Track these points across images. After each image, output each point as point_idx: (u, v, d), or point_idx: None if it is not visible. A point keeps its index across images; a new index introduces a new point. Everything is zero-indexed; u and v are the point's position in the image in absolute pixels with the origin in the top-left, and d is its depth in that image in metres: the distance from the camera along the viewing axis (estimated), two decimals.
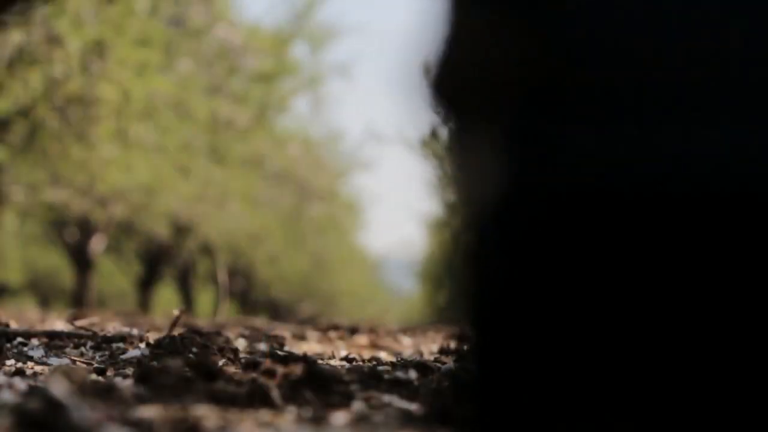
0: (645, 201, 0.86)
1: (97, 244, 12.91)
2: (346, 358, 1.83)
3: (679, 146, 0.87)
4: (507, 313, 0.91)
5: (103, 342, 1.78)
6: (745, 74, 0.91)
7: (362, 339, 2.80)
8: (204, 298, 21.10)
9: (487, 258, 1.03)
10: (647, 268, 0.87)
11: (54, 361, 1.59)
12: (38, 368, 1.46)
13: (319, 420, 0.95)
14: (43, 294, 23.71)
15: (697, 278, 0.85)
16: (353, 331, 2.94)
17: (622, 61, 0.91)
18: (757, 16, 0.95)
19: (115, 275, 20.98)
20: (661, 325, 0.87)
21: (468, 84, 1.02)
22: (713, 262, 0.87)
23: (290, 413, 0.98)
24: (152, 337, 1.83)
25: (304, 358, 1.78)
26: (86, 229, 12.66)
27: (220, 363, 1.50)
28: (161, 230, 12.66)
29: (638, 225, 0.88)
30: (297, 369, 1.55)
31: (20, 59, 6.19)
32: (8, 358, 1.56)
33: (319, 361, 1.72)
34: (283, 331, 2.92)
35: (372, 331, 3.04)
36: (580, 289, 0.92)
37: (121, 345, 1.75)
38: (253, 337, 2.35)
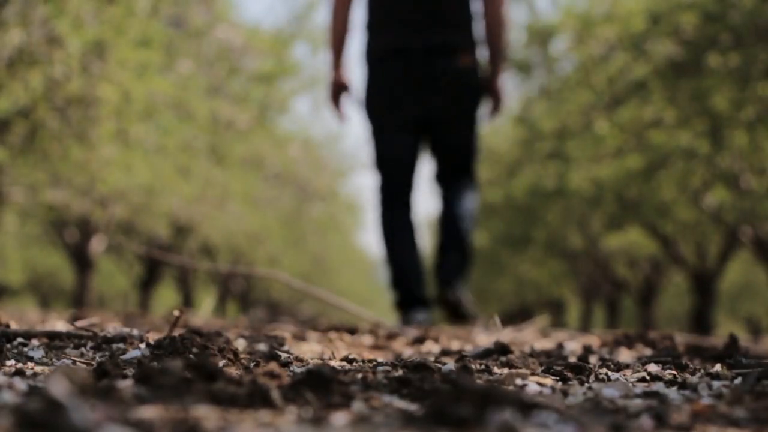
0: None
1: (97, 245, 12.91)
2: (347, 359, 1.83)
3: None
4: None
5: (103, 342, 1.78)
6: None
7: (362, 339, 2.80)
8: (204, 299, 21.09)
9: None
10: None
11: (54, 361, 1.59)
12: (38, 369, 1.46)
13: (319, 420, 0.95)
14: (43, 294, 23.73)
15: None
16: (353, 331, 2.94)
17: None
18: None
19: (115, 275, 20.98)
20: None
21: None
22: None
23: (290, 413, 0.98)
24: (152, 337, 1.83)
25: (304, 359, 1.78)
26: (86, 229, 12.66)
27: (220, 363, 1.50)
28: (161, 230, 12.66)
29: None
30: (297, 369, 1.55)
31: (20, 59, 6.19)
32: (8, 359, 1.56)
33: (319, 362, 1.72)
34: (283, 331, 2.92)
35: (372, 331, 3.04)
36: None
37: (121, 345, 1.75)
38: (253, 337, 2.35)
